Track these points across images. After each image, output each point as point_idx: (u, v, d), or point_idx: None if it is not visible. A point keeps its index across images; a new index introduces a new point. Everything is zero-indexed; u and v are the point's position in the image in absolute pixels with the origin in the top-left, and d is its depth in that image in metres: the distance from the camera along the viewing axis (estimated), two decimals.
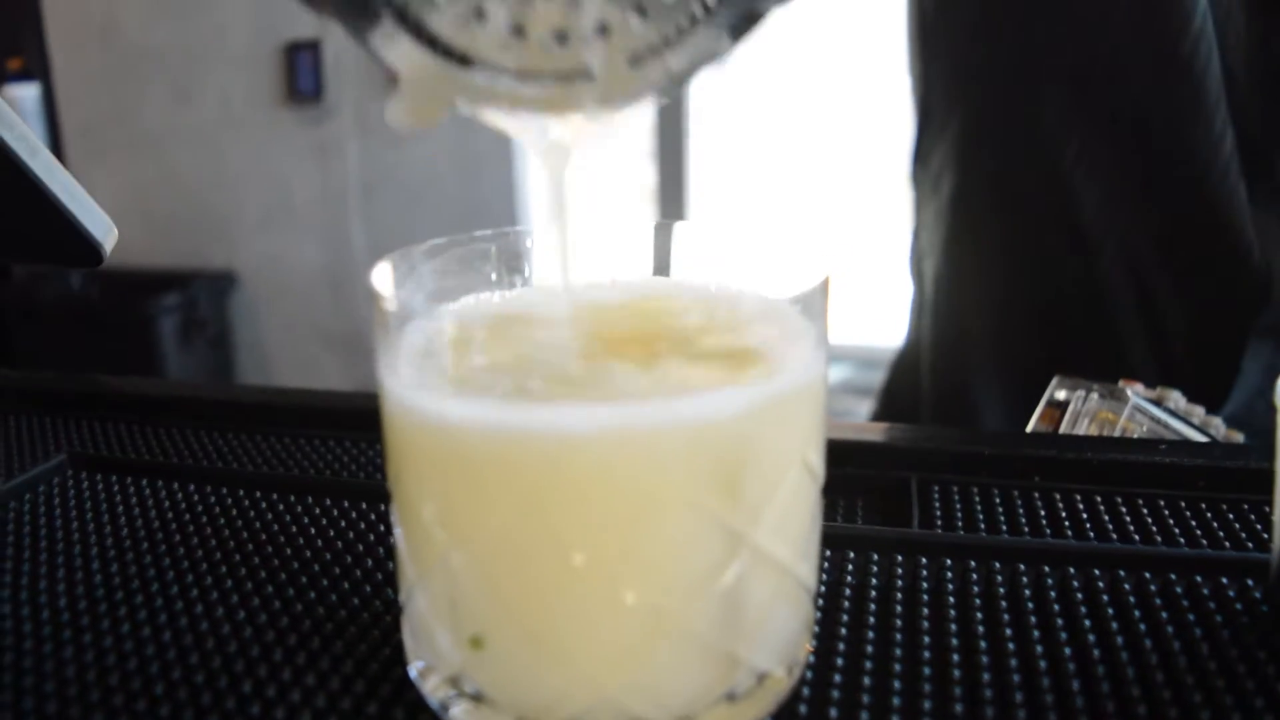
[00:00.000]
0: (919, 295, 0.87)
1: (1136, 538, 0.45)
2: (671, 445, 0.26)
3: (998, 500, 0.49)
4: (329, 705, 0.33)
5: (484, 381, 0.26)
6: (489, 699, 0.30)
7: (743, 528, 0.27)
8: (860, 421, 0.59)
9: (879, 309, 2.72)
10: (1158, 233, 0.71)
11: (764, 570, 0.29)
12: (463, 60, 0.26)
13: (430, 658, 0.31)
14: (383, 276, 0.29)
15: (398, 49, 0.26)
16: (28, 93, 2.78)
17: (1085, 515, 0.47)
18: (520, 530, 0.26)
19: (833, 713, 0.32)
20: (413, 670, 0.33)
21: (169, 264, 2.80)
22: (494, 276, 0.34)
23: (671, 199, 2.61)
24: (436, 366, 0.28)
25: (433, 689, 0.32)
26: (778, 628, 0.30)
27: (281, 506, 0.48)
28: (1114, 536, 0.45)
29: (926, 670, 0.34)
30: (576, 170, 0.28)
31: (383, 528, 0.46)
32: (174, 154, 2.81)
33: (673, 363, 0.26)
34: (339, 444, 0.57)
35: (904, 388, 0.90)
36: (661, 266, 0.35)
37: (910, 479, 0.52)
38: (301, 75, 2.66)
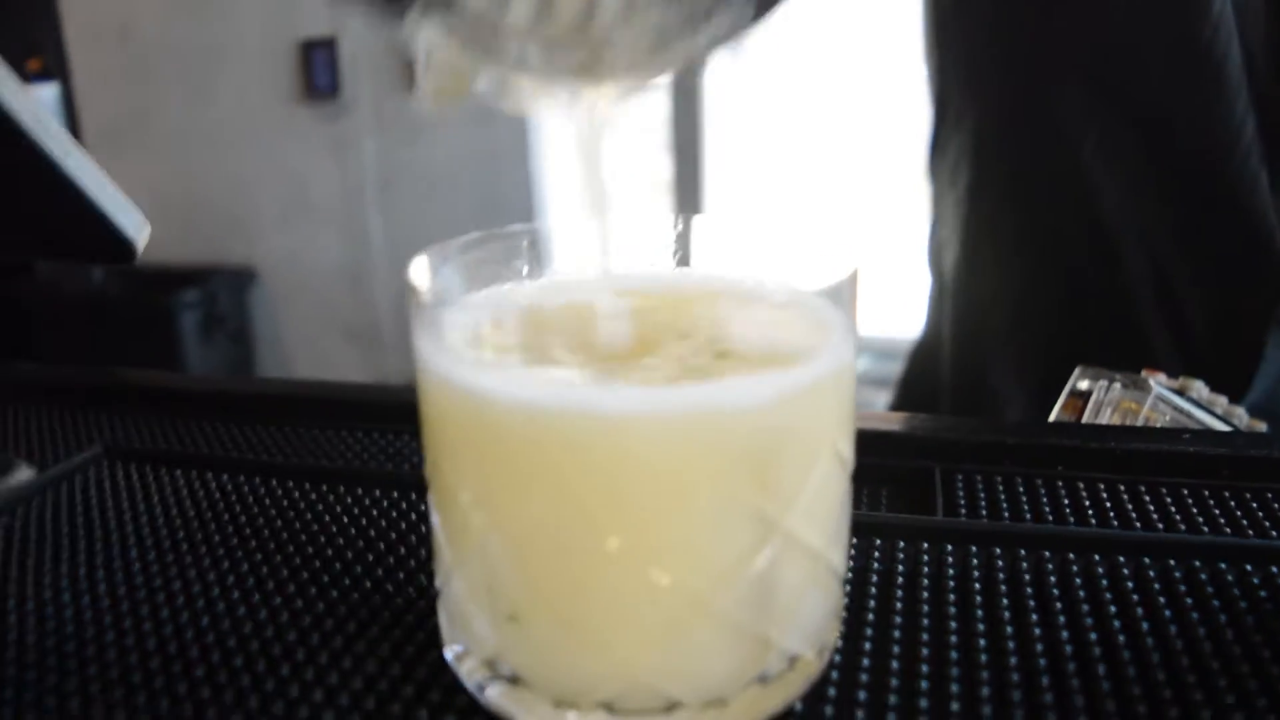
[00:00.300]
0: (938, 286, 0.87)
1: (1160, 526, 0.45)
2: (704, 430, 0.26)
3: (1021, 489, 0.50)
4: (366, 687, 0.34)
5: (522, 364, 0.27)
6: (525, 681, 0.30)
7: (775, 514, 0.28)
8: (883, 412, 0.60)
9: (898, 300, 2.71)
10: (1177, 222, 0.71)
11: (796, 555, 0.29)
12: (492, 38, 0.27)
13: (467, 640, 0.32)
14: (420, 268, 0.30)
15: (428, 27, 0.26)
16: (47, 93, 2.80)
17: (1109, 504, 0.48)
18: (556, 513, 0.27)
19: (861, 695, 0.33)
20: (449, 653, 0.34)
21: (189, 260, 2.83)
22: (525, 270, 0.35)
23: (688, 192, 2.61)
24: (475, 349, 0.29)
25: (469, 671, 0.32)
26: (809, 612, 0.31)
27: (314, 495, 0.49)
28: (1137, 525, 0.46)
29: (953, 654, 0.35)
30: (610, 142, 0.29)
31: (414, 516, 0.47)
32: (192, 152, 2.84)
33: (707, 351, 0.27)
34: (367, 435, 0.58)
35: (923, 377, 0.90)
36: (690, 258, 0.35)
37: (934, 468, 0.52)
38: (318, 72, 2.68)
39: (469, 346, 0.28)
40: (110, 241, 0.50)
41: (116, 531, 0.46)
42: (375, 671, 0.35)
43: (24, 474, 0.51)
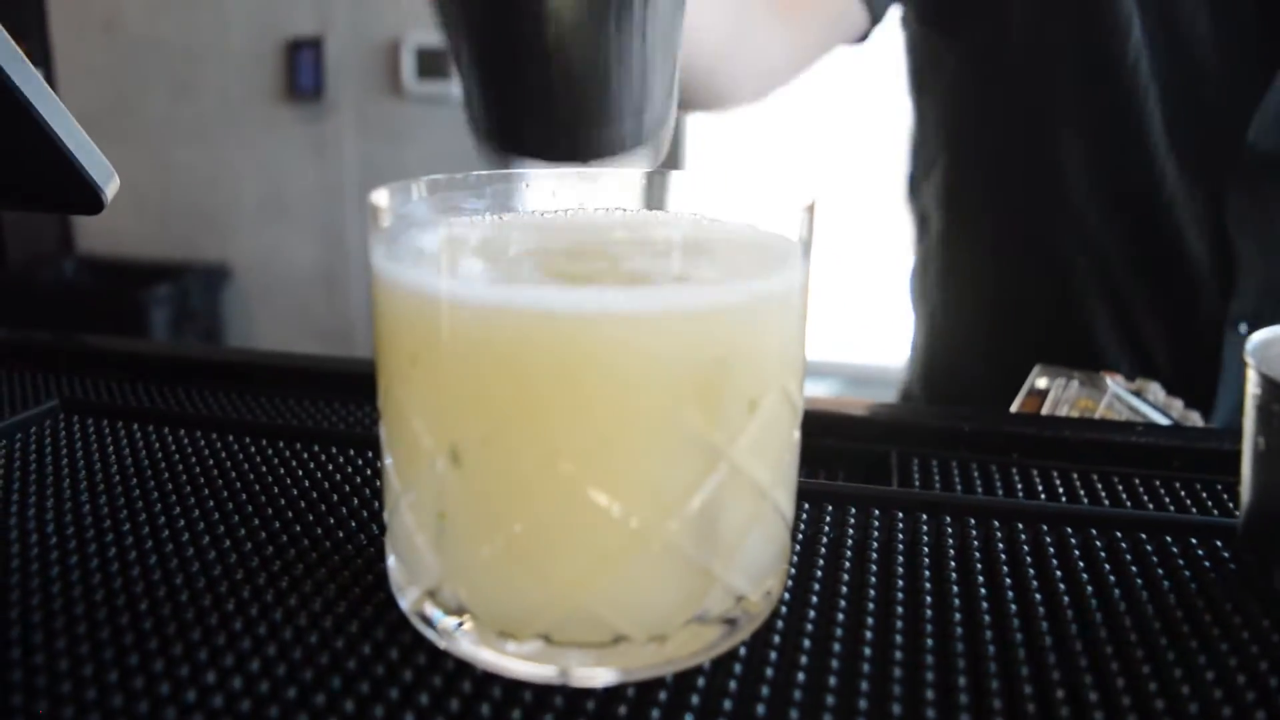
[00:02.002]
0: (919, 287, 0.88)
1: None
2: (650, 334, 0.26)
3: (976, 474, 0.50)
4: (311, 623, 0.34)
5: (474, 269, 0.27)
6: (468, 609, 0.30)
7: (721, 443, 0.28)
8: (841, 397, 0.60)
9: (869, 328, 2.74)
10: (1115, 236, 0.73)
11: (741, 489, 0.29)
12: None
13: (412, 571, 0.32)
14: (382, 193, 0.30)
15: None
16: None
17: (1061, 490, 0.48)
18: (505, 427, 0.27)
19: (805, 643, 0.33)
20: (394, 585, 0.34)
21: (163, 255, 2.81)
22: (490, 207, 0.35)
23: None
24: (429, 257, 0.29)
25: (413, 602, 0.32)
26: (753, 550, 0.31)
27: (270, 450, 0.49)
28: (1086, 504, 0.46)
29: (899, 609, 0.35)
30: None
31: (369, 471, 0.47)
32: (173, 147, 2.82)
33: (663, 273, 0.27)
34: (327, 404, 0.58)
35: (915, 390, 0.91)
36: (659, 206, 0.36)
37: (891, 452, 0.52)
38: (302, 72, 2.68)
39: (424, 254, 0.28)
40: (78, 190, 0.50)
41: (69, 479, 0.45)
42: (320, 609, 0.35)
43: None
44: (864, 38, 0.75)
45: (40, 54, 2.82)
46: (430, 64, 2.57)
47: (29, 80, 0.45)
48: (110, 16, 2.79)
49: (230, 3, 2.70)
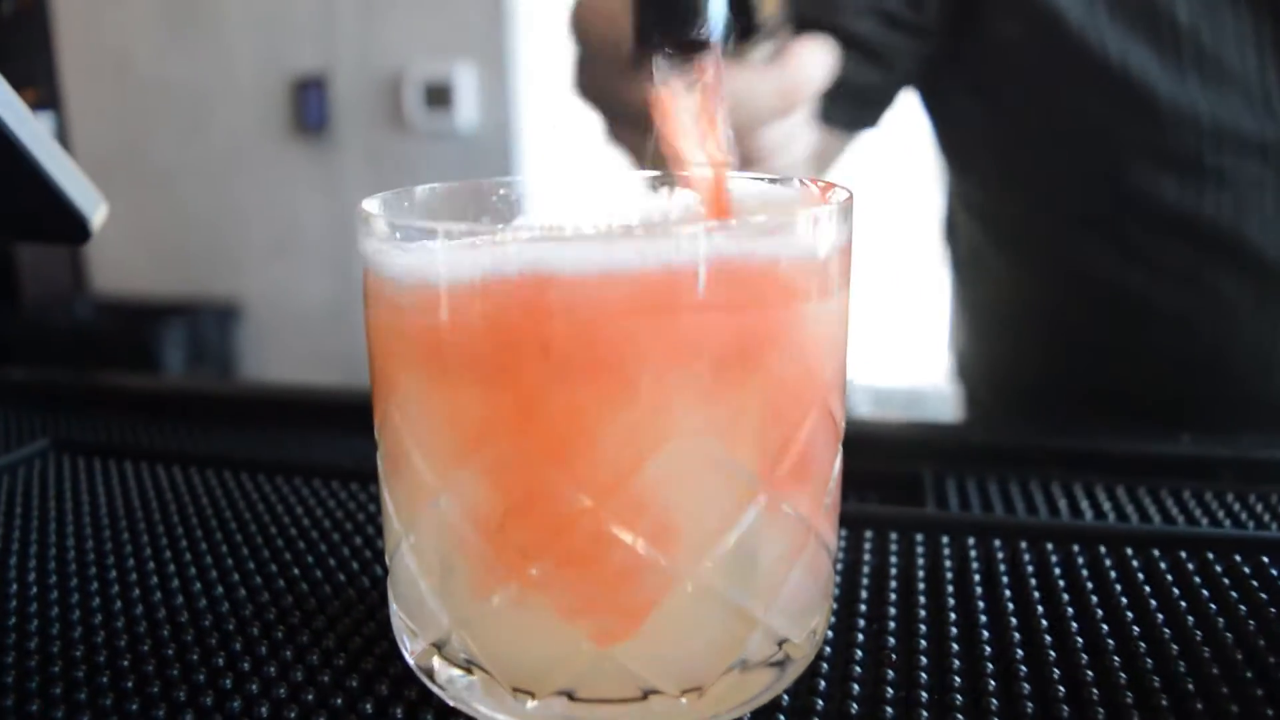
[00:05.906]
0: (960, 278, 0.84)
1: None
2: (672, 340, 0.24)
3: (1015, 492, 0.47)
4: (307, 679, 0.31)
5: (478, 276, 0.24)
6: (481, 666, 0.27)
7: (759, 470, 0.25)
8: (867, 418, 0.57)
9: (892, 348, 2.70)
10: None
11: (781, 521, 0.26)
12: None
13: (416, 620, 0.29)
14: (373, 202, 0.27)
15: None
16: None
17: (1109, 507, 0.45)
18: (511, 458, 0.24)
19: (855, 689, 0.30)
20: (398, 636, 0.31)
21: (175, 293, 2.80)
22: (487, 219, 0.32)
23: None
24: (425, 266, 0.26)
25: (419, 657, 0.29)
26: (796, 588, 0.28)
27: (267, 486, 0.46)
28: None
29: (954, 645, 0.32)
30: None
31: (373, 508, 0.44)
32: (183, 186, 2.83)
33: (682, 263, 0.24)
34: (328, 437, 0.55)
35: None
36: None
37: (923, 472, 0.49)
38: (309, 109, 2.68)
39: (420, 266, 0.26)
40: (65, 220, 0.47)
41: (55, 521, 0.43)
42: (319, 662, 0.32)
43: None
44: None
45: (52, 97, 2.84)
46: (435, 97, 2.57)
47: (10, 107, 0.43)
48: (120, 59, 2.81)
49: (236, 42, 2.71)
